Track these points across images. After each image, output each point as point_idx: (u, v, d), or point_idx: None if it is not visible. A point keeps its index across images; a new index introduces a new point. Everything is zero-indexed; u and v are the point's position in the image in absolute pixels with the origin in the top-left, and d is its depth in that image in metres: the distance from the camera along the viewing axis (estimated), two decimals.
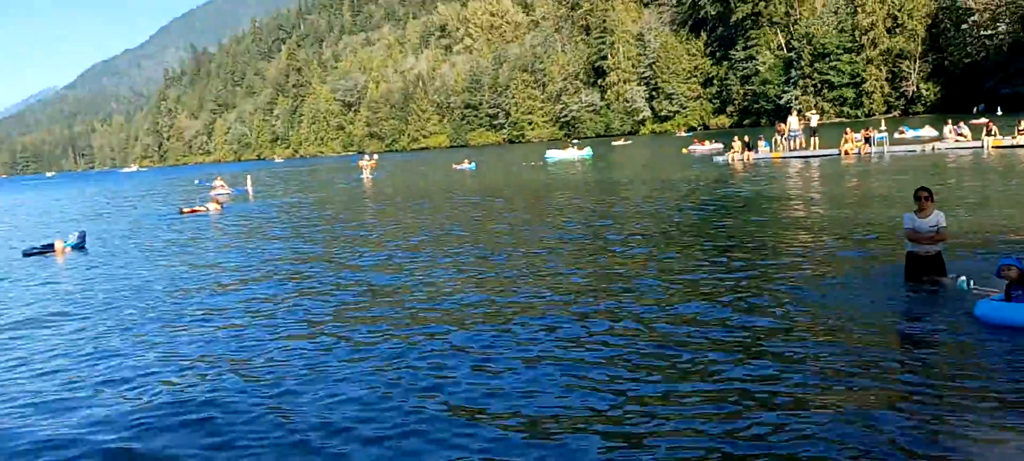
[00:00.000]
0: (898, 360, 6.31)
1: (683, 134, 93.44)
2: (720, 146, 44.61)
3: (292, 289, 11.60)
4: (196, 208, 29.02)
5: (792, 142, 37.12)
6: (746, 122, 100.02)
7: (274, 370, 7.41)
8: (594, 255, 12.66)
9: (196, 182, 37.67)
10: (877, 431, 4.93)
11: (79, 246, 19.89)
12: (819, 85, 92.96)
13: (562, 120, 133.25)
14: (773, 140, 37.67)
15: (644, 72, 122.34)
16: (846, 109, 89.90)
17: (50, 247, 19.50)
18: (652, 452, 4.91)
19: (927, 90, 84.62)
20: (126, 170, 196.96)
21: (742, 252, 11.84)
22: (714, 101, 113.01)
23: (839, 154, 32.63)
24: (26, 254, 19.16)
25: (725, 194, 21.45)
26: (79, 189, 74.58)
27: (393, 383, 6.69)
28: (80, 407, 6.79)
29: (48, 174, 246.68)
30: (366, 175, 48.53)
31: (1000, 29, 74.25)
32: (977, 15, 76.06)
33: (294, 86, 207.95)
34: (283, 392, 6.71)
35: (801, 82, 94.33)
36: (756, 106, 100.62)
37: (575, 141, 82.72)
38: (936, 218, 8.56)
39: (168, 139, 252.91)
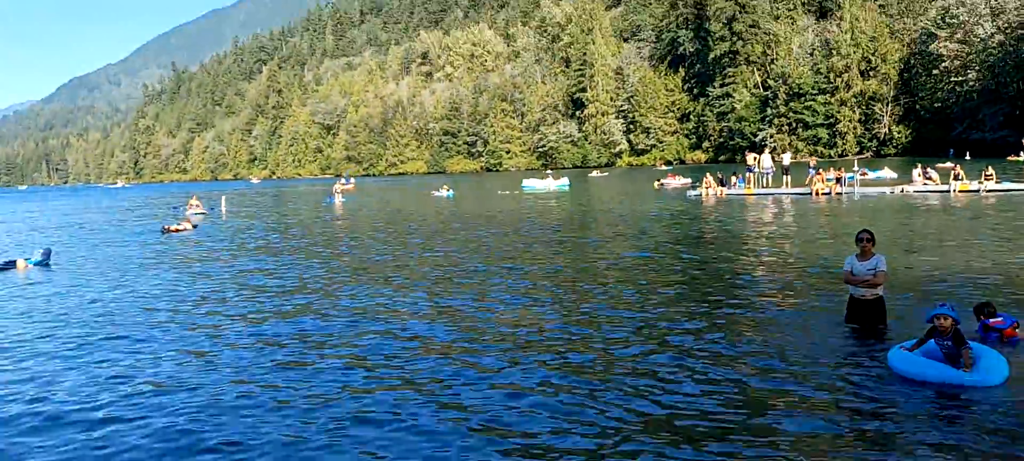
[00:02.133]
0: (809, 399, 6.40)
1: (661, 167, 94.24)
2: (689, 181, 45.31)
3: (247, 314, 11.47)
4: (178, 227, 28.85)
5: (764, 180, 37.91)
6: (722, 158, 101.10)
7: (222, 395, 7.32)
8: (561, 287, 12.67)
9: (171, 211, 37.55)
10: None
11: (43, 263, 19.50)
12: (794, 124, 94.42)
13: (540, 150, 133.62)
14: (746, 176, 38.19)
15: (622, 105, 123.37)
16: (820, 149, 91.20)
17: (12, 264, 19.12)
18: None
19: (899, 133, 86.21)
20: (111, 185, 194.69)
21: (696, 285, 11.96)
22: (691, 136, 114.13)
23: (810, 193, 33.10)
24: None
25: (695, 229, 21.67)
26: (62, 203, 73.25)
27: (348, 414, 6.67)
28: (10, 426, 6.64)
29: (20, 187, 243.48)
30: (338, 200, 48.24)
31: (970, 76, 75.94)
32: (948, 62, 77.78)
33: (274, 107, 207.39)
34: (233, 414, 6.63)
35: (776, 120, 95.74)
36: (732, 142, 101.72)
37: (551, 171, 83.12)
38: (875, 262, 8.60)
39: (145, 156, 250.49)
